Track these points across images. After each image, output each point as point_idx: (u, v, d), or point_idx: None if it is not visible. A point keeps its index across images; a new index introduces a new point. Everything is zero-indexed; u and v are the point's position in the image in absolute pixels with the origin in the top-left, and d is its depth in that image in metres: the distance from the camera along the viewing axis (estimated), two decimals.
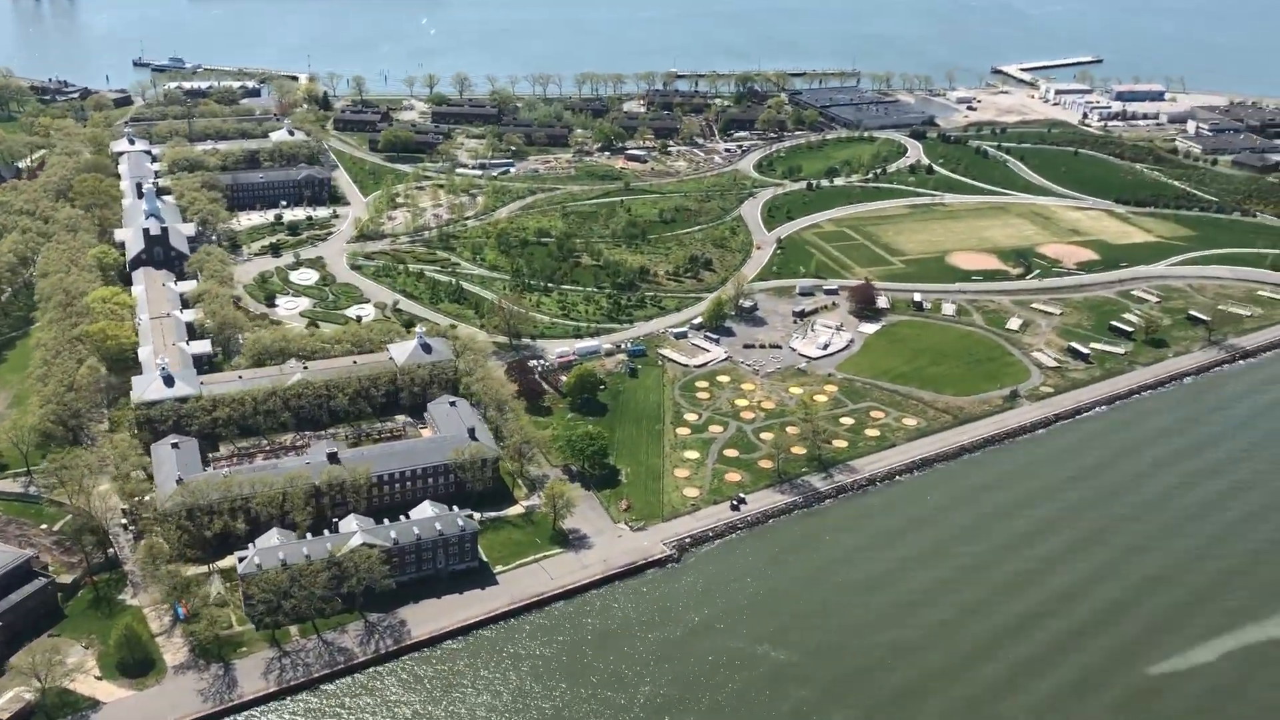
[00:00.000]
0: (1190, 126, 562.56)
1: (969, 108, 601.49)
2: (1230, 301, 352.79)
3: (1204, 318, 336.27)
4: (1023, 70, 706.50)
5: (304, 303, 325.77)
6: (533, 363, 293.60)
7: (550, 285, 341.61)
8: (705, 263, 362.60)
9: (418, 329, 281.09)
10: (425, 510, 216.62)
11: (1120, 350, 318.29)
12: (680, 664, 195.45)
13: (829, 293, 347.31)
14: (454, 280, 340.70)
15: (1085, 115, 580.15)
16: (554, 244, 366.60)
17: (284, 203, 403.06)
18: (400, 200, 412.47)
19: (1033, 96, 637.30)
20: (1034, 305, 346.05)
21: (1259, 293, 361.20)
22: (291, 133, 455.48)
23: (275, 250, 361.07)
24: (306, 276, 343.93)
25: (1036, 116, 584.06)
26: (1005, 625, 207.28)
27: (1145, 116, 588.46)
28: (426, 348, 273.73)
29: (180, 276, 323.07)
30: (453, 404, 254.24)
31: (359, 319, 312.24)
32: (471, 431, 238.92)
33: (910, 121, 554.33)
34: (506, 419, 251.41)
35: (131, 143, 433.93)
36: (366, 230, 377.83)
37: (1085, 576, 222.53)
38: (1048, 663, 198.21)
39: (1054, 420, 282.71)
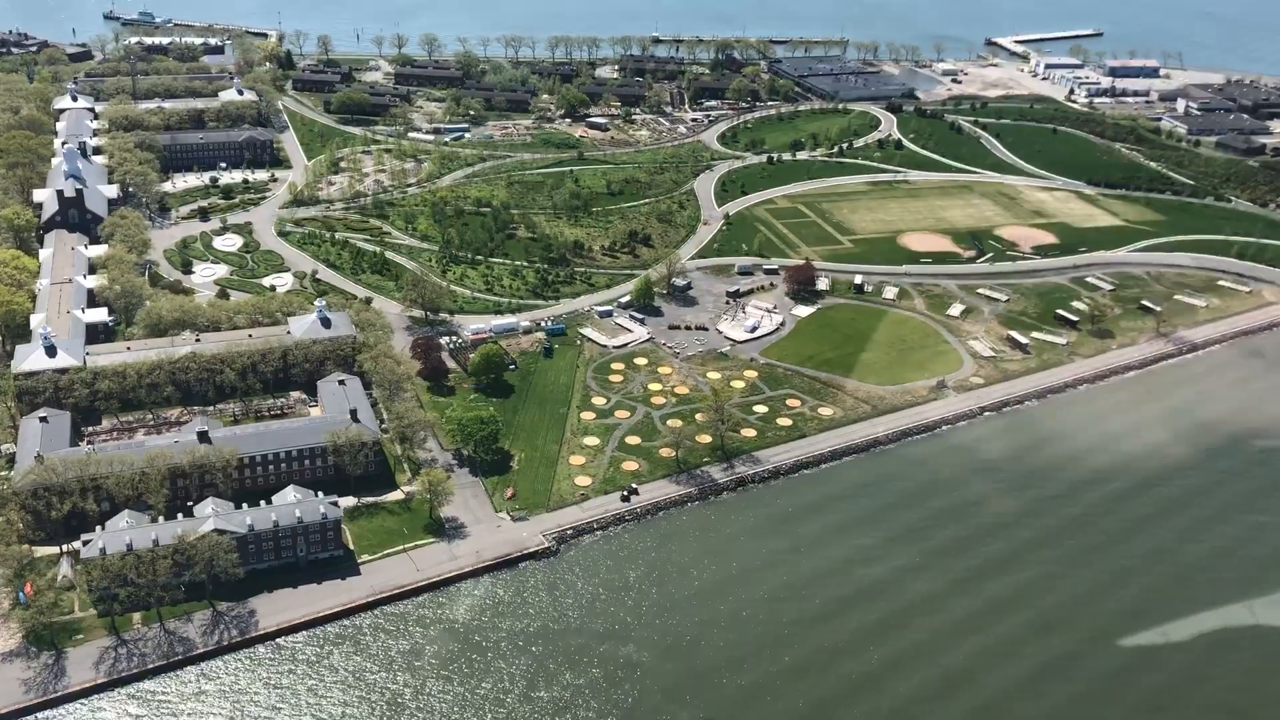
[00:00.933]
0: (1180, 105, 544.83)
1: (954, 80, 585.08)
2: (1188, 291, 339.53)
3: (1155, 308, 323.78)
4: (1017, 42, 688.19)
5: (221, 270, 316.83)
6: (445, 340, 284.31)
7: (479, 258, 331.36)
8: (644, 239, 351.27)
9: (317, 302, 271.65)
10: (288, 496, 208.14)
11: (1062, 340, 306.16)
12: (528, 659, 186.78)
13: (769, 272, 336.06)
14: (379, 250, 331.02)
15: (1072, 91, 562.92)
16: (490, 215, 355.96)
17: (223, 165, 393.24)
18: (344, 165, 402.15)
19: (1022, 70, 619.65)
20: (980, 290, 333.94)
21: (1219, 283, 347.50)
22: (241, 92, 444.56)
23: (204, 215, 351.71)
24: (231, 243, 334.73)
25: (1021, 91, 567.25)
26: (871, 624, 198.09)
27: (1136, 94, 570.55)
28: (326, 322, 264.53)
29: (95, 240, 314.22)
30: (342, 382, 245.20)
31: (272, 289, 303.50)
32: (354, 413, 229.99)
33: (889, 94, 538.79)
34: (394, 400, 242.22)
35: (74, 99, 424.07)
36: (300, 195, 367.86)
37: (970, 574, 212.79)
38: (918, 659, 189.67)
39: (979, 413, 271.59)
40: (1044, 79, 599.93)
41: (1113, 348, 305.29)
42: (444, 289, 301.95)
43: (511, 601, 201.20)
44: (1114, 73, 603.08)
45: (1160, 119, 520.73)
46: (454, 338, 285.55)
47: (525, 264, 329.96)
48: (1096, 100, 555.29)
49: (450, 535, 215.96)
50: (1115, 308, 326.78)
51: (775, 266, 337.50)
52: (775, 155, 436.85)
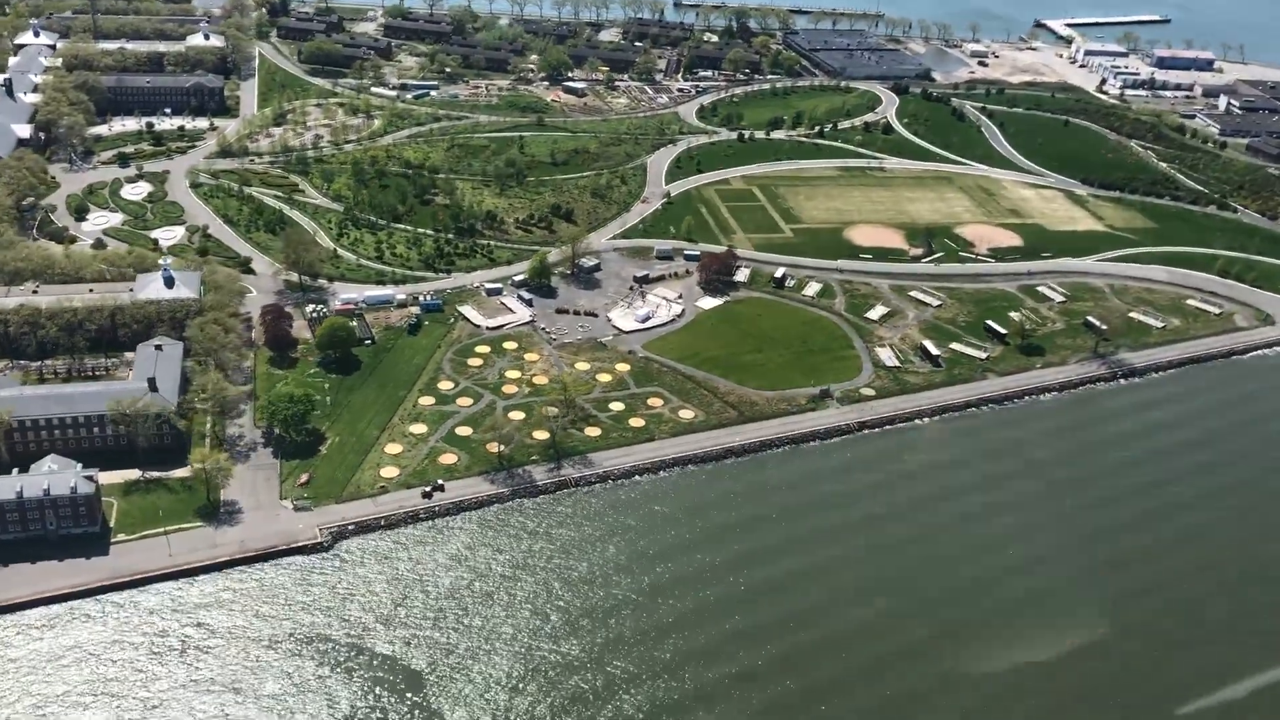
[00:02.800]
0: (1221, 102, 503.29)
1: (980, 63, 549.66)
2: (1147, 309, 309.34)
3: (1100, 325, 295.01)
4: (1069, 25, 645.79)
5: (115, 219, 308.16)
6: (309, 308, 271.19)
7: (383, 223, 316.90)
8: (567, 213, 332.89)
9: (163, 260, 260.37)
10: (44, 465, 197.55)
11: (982, 355, 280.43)
12: (229, 668, 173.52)
13: (691, 259, 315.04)
14: (279, 208, 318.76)
15: (1104, 81, 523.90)
16: (411, 178, 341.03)
17: (168, 111, 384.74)
18: (290, 117, 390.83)
19: (1061, 56, 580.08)
20: (913, 293, 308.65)
21: (1189, 301, 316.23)
22: (207, 37, 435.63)
23: (123, 160, 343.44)
24: (139, 191, 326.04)
25: (1049, 78, 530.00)
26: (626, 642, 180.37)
27: (1179, 87, 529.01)
28: (170, 282, 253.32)
29: None
30: (159, 347, 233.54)
31: (156, 243, 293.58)
32: (152, 381, 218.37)
33: (903, 73, 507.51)
34: (207, 370, 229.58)
35: (36, 35, 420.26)
36: (229, 146, 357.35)
37: (780, 618, 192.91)
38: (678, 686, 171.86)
39: (856, 429, 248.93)
40: (1081, 66, 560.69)
41: (1036, 366, 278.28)
42: (325, 253, 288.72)
43: (250, 602, 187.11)
44: (1161, 63, 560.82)
45: (1194, 116, 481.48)
46: (319, 306, 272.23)
47: (429, 233, 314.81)
48: (1131, 92, 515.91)
49: (221, 520, 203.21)
50: (1056, 321, 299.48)
51: (698, 253, 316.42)
52: (749, 133, 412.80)
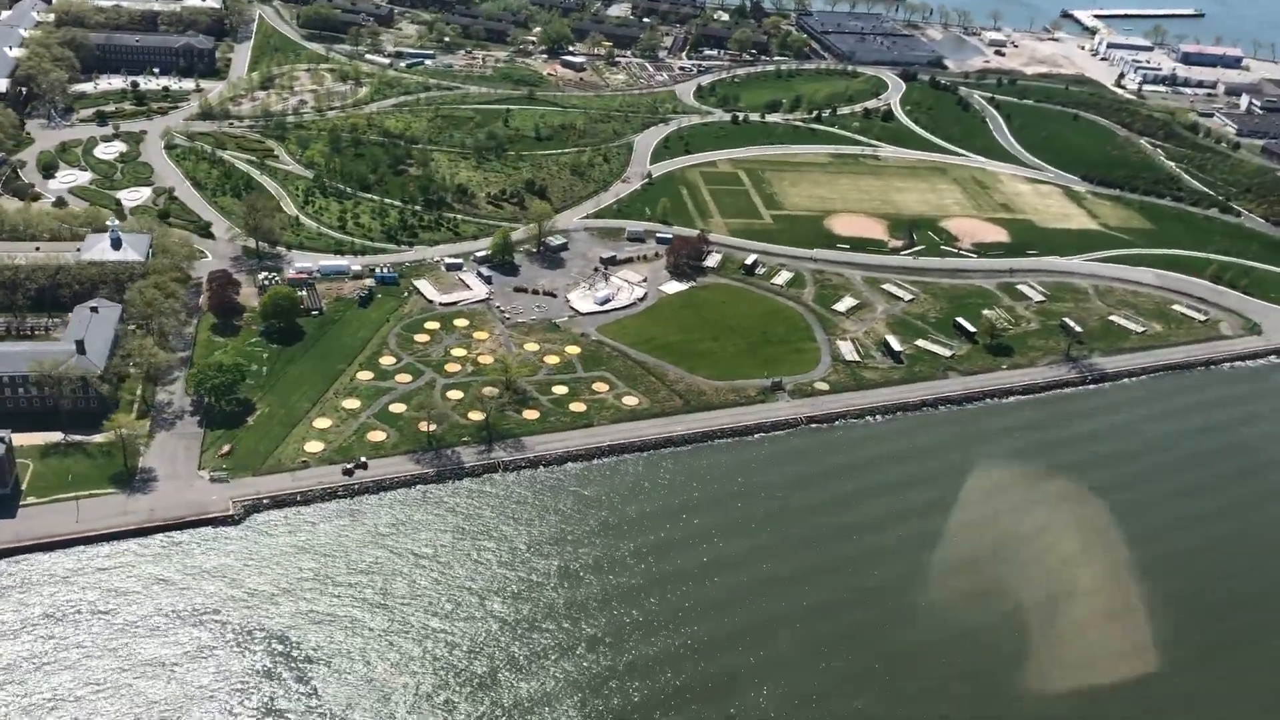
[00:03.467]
0: (1243, 101, 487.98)
1: (996, 52, 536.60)
2: (1128, 313, 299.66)
3: (1075, 328, 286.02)
4: (1097, 17, 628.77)
5: (84, 178, 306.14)
6: (262, 275, 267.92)
7: (351, 191, 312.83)
8: (540, 190, 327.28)
9: (110, 222, 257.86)
10: None
11: (947, 353, 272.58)
12: (121, 636, 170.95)
13: (662, 241, 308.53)
14: (247, 173, 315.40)
15: (1123, 76, 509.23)
16: (387, 147, 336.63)
17: (155, 70, 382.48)
18: (278, 81, 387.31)
19: (1082, 48, 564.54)
20: (885, 286, 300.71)
21: (1174, 306, 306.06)
22: None
23: (102, 119, 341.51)
24: (111, 150, 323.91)
25: (1067, 70, 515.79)
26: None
27: (1200, 84, 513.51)
28: (116, 243, 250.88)
29: None
30: (95, 310, 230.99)
31: (118, 203, 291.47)
32: (80, 344, 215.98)
33: (914, 60, 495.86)
34: (139, 335, 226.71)
35: None
36: (210, 108, 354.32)
37: (688, 606, 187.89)
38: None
39: (804, 423, 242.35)
40: (1102, 59, 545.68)
41: (1002, 367, 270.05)
42: (284, 220, 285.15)
43: (139, 568, 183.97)
44: (1186, 59, 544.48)
45: (1212, 115, 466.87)
46: (271, 274, 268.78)
47: (397, 204, 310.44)
48: (1150, 88, 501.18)
49: (135, 488, 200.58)
50: (1031, 321, 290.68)
51: (670, 236, 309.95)
52: (743, 115, 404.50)
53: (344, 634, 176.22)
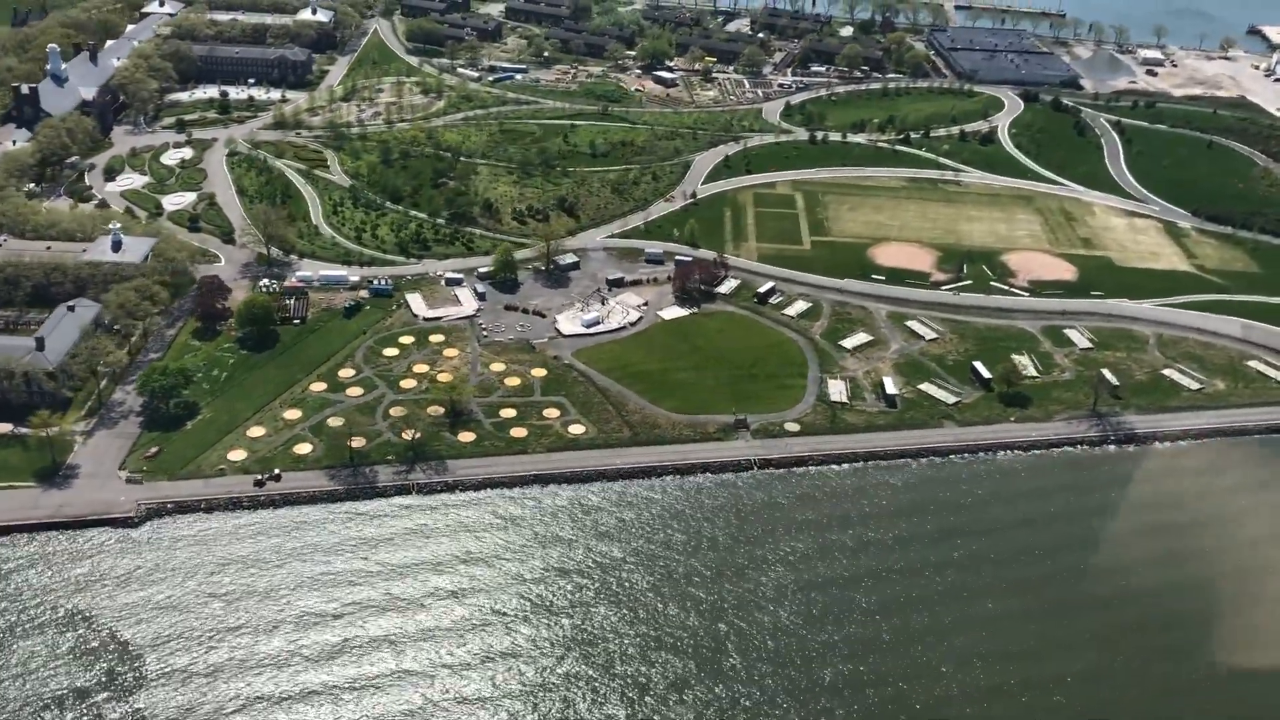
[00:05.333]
0: None
1: (1149, 71, 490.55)
2: (1187, 366, 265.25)
3: (1113, 380, 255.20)
4: None
5: (139, 181, 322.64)
6: (264, 283, 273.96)
7: (379, 203, 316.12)
8: (570, 207, 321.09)
9: (113, 224, 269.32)
10: None
11: (951, 399, 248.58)
12: None
13: (680, 264, 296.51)
14: (290, 181, 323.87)
15: None
16: (430, 159, 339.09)
17: (251, 81, 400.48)
18: (364, 94, 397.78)
19: (1256, 68, 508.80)
20: (910, 322, 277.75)
21: (1249, 363, 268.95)
22: (314, 11, 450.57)
23: (181, 126, 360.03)
24: (176, 156, 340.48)
25: (1225, 93, 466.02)
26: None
27: None
28: (116, 246, 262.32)
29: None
30: (71, 308, 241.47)
31: (157, 208, 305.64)
32: (40, 340, 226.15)
33: (1045, 79, 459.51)
34: (99, 336, 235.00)
35: (161, 4, 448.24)
36: (284, 118, 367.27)
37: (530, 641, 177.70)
38: None
39: (757, 466, 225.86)
40: (1277, 80, 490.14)
41: (1010, 419, 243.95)
42: (296, 229, 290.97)
43: (13, 565, 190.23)
44: None
45: None
46: (272, 281, 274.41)
47: (423, 216, 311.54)
48: None
49: (55, 483, 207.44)
50: (1065, 370, 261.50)
51: (690, 259, 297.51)
52: (823, 135, 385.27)
53: (177, 649, 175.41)
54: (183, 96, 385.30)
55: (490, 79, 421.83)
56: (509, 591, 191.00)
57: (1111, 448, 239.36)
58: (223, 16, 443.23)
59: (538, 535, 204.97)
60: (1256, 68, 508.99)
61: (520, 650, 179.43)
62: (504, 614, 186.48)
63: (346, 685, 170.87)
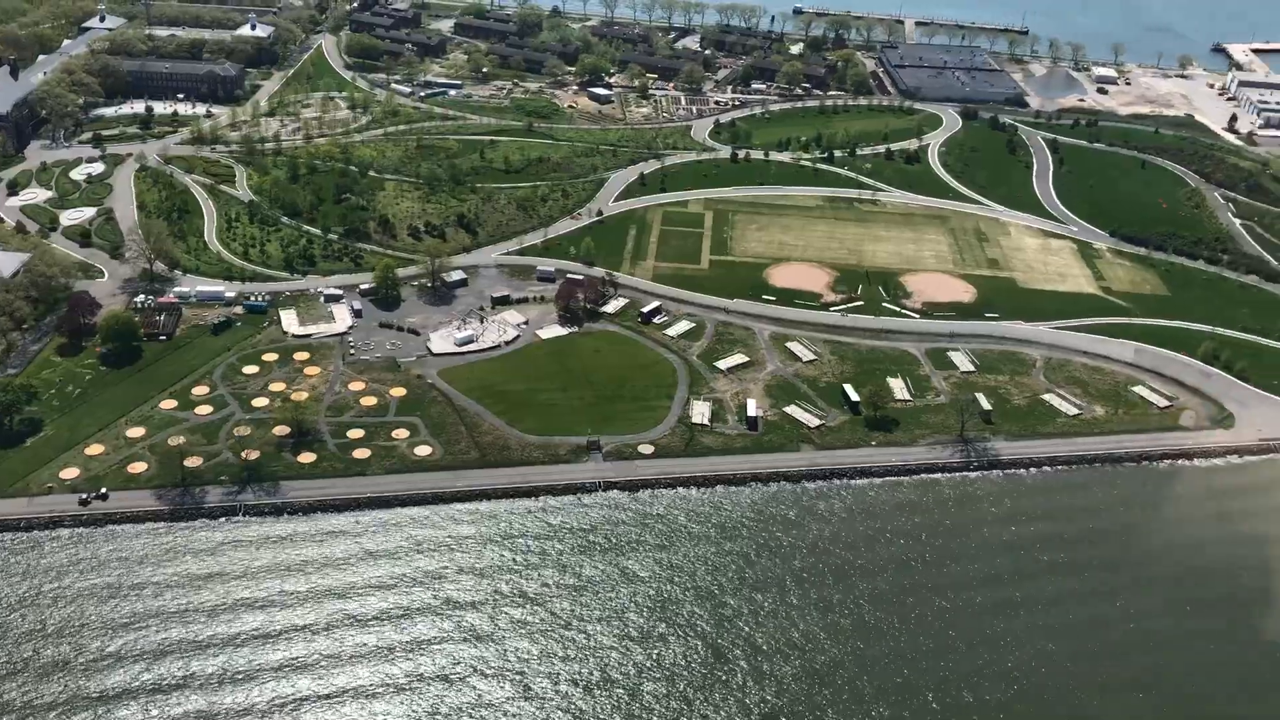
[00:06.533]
0: None
1: (1099, 89, 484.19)
2: (1066, 392, 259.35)
3: (984, 405, 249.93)
4: (1254, 51, 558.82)
5: (42, 196, 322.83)
6: (139, 299, 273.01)
7: (274, 218, 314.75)
8: (468, 224, 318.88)
9: None
10: None
11: (814, 423, 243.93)
12: None
13: (573, 283, 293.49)
14: (192, 197, 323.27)
15: (1234, 119, 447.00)
16: (331, 174, 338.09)
17: (180, 96, 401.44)
18: (289, 109, 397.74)
19: (1211, 86, 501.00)
20: (790, 344, 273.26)
21: (1135, 388, 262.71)
22: (254, 27, 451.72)
23: (97, 142, 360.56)
24: (85, 171, 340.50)
25: (1173, 111, 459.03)
26: None
27: None
28: None
29: None
30: None
31: (52, 223, 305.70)
32: None
33: (991, 97, 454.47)
34: None
35: (102, 19, 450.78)
36: (202, 134, 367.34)
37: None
38: None
39: (597, 488, 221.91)
40: (1230, 99, 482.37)
41: (872, 444, 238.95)
42: (171, 245, 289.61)
43: None
44: None
45: None
46: (148, 297, 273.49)
47: (317, 232, 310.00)
48: (1272, 132, 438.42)
49: None
50: (939, 394, 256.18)
51: (581, 277, 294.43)
52: (746, 153, 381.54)
53: None
54: (108, 112, 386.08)
55: (423, 94, 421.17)
56: (321, 609, 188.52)
57: (973, 474, 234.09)
58: (162, 32, 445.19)
59: (363, 551, 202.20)
60: (1211, 86, 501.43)
61: (310, 662, 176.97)
62: (307, 628, 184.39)
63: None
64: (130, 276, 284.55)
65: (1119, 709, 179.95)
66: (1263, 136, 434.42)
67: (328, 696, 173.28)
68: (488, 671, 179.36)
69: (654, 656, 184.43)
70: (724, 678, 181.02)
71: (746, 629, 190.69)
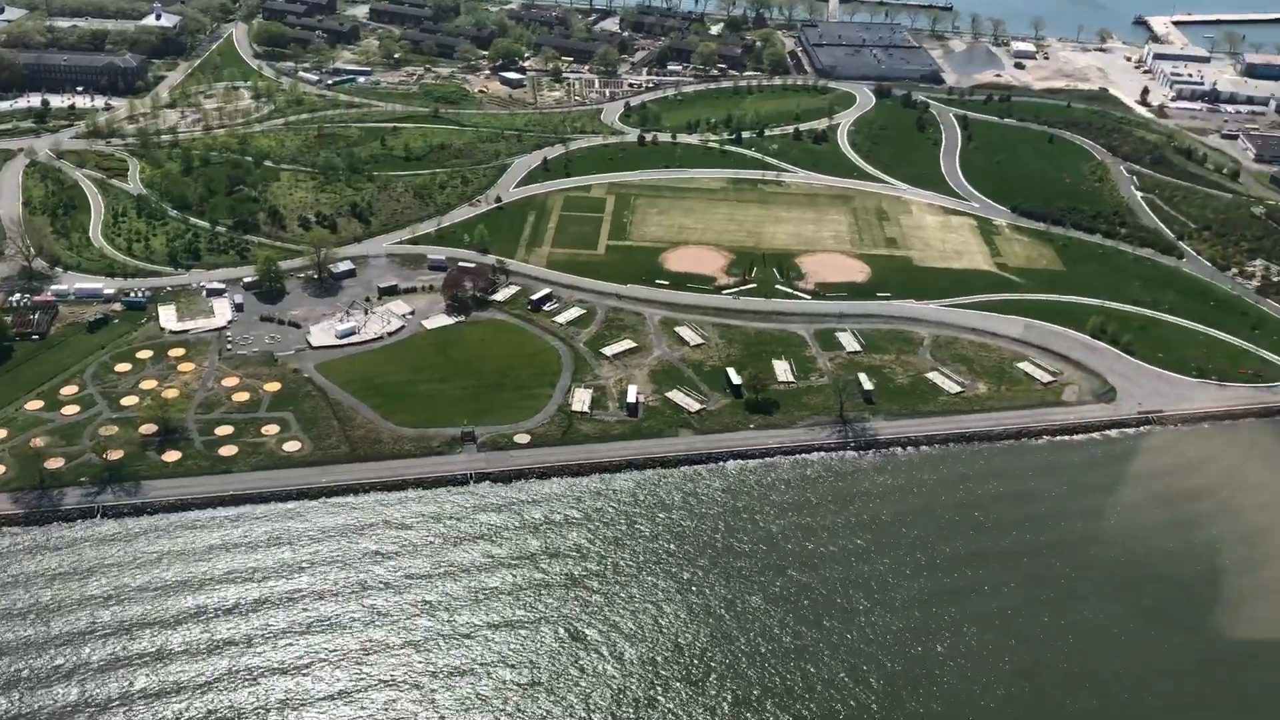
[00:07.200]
0: None
1: (1017, 64, 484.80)
2: (952, 369, 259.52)
3: (866, 384, 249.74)
4: (1175, 23, 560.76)
5: None
6: (16, 297, 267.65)
7: (163, 212, 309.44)
8: (361, 213, 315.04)
9: None
10: None
11: (695, 407, 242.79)
12: None
13: (465, 270, 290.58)
14: (82, 192, 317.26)
15: (1146, 91, 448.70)
16: (227, 166, 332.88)
17: (80, 89, 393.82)
18: (190, 99, 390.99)
19: (1129, 59, 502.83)
20: (679, 328, 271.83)
21: (1020, 364, 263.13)
22: (159, 17, 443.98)
23: None
24: None
25: (1089, 85, 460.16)
26: None
27: (1251, 100, 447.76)
28: None
29: None
30: None
31: None
32: None
33: (907, 75, 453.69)
34: None
35: (1, 11, 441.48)
36: (98, 127, 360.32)
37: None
38: None
39: (469, 480, 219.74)
40: (1146, 72, 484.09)
41: (750, 427, 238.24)
42: (43, 237, 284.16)
43: None
44: (1251, 70, 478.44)
45: (1236, 137, 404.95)
46: (24, 296, 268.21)
47: (205, 225, 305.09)
48: (1183, 104, 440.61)
49: None
50: (823, 375, 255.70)
51: (472, 265, 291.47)
52: (653, 136, 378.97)
53: None
54: (3, 106, 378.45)
55: (330, 82, 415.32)
56: (163, 605, 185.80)
57: (850, 454, 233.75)
58: (63, 23, 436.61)
59: (217, 546, 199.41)
60: (1129, 59, 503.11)
61: (152, 657, 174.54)
62: (156, 624, 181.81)
63: None
64: (8, 275, 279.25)
65: (956, 677, 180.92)
66: (1174, 109, 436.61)
67: (163, 694, 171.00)
68: (339, 660, 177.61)
69: (514, 642, 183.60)
70: (582, 663, 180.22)
71: (609, 613, 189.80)
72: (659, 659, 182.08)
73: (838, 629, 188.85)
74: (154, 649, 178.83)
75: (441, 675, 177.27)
